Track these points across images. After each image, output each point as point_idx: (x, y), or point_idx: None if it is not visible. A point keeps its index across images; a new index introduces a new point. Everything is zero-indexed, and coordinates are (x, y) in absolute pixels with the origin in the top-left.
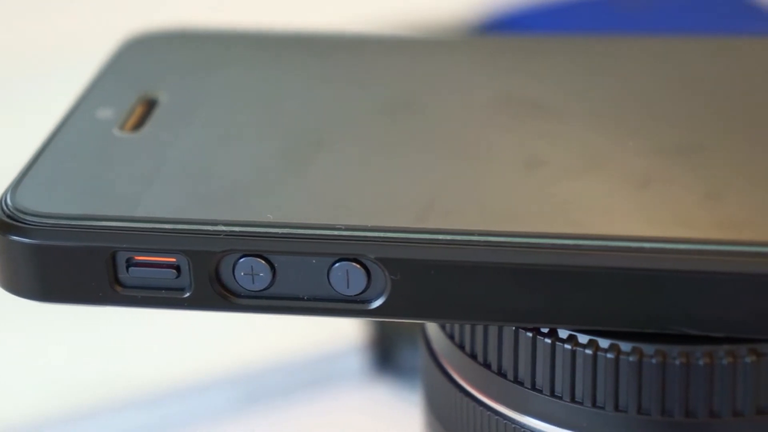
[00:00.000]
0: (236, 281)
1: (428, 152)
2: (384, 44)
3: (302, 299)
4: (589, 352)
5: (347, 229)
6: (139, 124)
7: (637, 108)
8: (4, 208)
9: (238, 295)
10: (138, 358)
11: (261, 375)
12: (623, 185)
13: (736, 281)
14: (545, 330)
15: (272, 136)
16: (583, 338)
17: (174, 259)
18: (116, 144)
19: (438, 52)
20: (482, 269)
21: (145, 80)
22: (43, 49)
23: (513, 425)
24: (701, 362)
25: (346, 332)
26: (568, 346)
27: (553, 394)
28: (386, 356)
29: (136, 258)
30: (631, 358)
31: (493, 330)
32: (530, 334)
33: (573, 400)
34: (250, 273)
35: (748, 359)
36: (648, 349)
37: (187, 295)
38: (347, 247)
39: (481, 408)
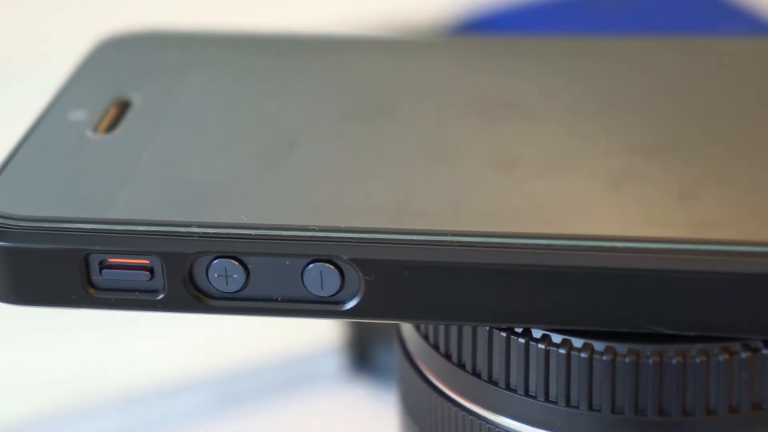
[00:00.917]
0: (210, 283)
1: (402, 153)
2: (359, 45)
3: (276, 300)
4: (562, 351)
5: (321, 230)
6: (113, 126)
7: (611, 108)
8: None
9: (212, 297)
10: (115, 360)
11: (238, 376)
12: (596, 185)
13: (708, 280)
14: (519, 330)
15: (246, 137)
16: (556, 338)
17: (147, 261)
18: (89, 146)
19: (413, 53)
20: (456, 269)
21: (119, 82)
22: (16, 51)
23: (488, 425)
24: (674, 361)
25: (323, 333)
26: (541, 346)
27: (527, 393)
28: (363, 357)
29: (110, 260)
30: (604, 358)
31: (467, 330)
32: (504, 334)
33: (547, 399)
34: (224, 274)
35: (721, 358)
36: (621, 348)
37: (161, 297)
38: (320, 248)
39: (455, 408)
